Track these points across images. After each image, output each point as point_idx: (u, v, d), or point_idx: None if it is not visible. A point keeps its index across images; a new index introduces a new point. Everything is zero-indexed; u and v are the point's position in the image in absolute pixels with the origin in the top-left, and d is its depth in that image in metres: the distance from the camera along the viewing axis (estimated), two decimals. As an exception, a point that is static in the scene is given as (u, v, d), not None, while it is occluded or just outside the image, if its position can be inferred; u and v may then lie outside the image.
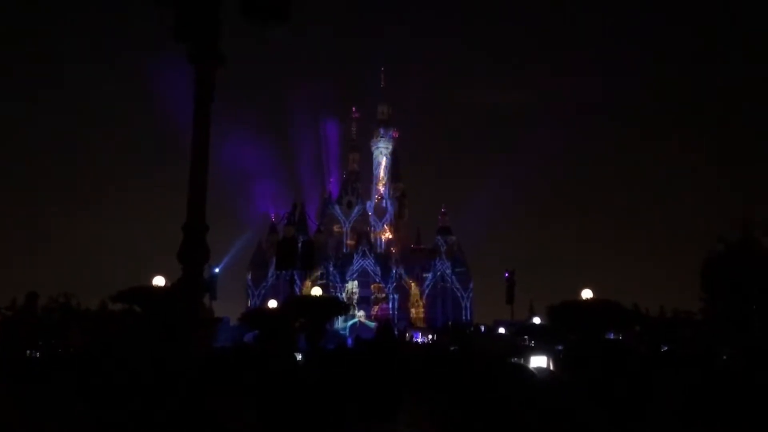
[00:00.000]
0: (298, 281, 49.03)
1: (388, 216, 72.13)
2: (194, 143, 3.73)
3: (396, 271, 68.08)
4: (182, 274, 3.61)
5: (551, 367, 14.95)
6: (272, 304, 28.90)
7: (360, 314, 62.79)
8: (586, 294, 18.79)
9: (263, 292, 63.92)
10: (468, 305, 67.51)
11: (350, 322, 60.49)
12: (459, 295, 68.00)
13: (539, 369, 13.66)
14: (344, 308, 33.16)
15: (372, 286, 66.57)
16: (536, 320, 34.06)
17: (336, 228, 70.71)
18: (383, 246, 70.99)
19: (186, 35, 3.87)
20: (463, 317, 63.83)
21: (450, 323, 57.44)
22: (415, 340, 49.74)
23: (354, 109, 75.24)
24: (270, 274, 64.77)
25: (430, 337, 55.29)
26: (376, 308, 64.18)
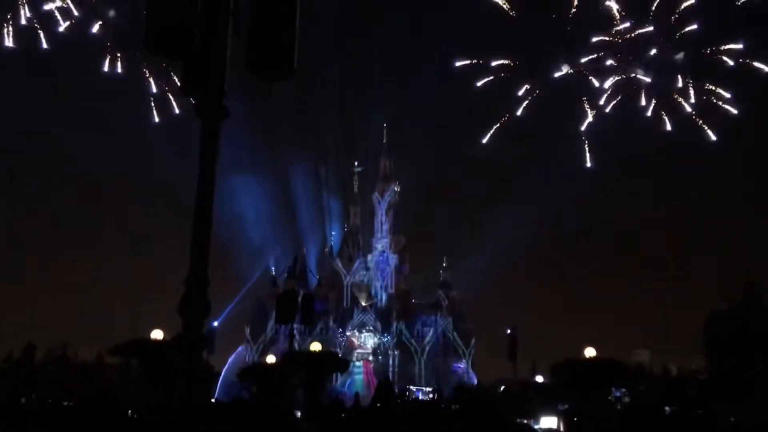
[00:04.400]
0: (297, 336, 48.51)
1: (389, 270, 71.89)
2: (198, 196, 3.74)
3: (396, 327, 67.46)
4: (182, 328, 3.56)
5: (562, 429, 14.69)
6: (271, 359, 28.61)
7: (360, 369, 61.92)
8: (590, 352, 18.59)
9: (262, 346, 63.24)
10: (470, 362, 66.62)
11: (350, 379, 59.58)
12: (461, 351, 67.20)
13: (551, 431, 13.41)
14: (343, 365, 32.86)
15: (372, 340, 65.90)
16: (539, 378, 33.56)
17: (337, 282, 70.41)
18: (384, 300, 70.54)
19: (193, 90, 3.92)
20: (465, 374, 62.92)
21: (453, 380, 56.60)
22: (415, 397, 48.99)
23: (356, 163, 75.99)
24: (269, 328, 64.19)
25: (430, 395, 54.37)
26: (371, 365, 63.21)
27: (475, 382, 52.40)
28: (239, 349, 65.25)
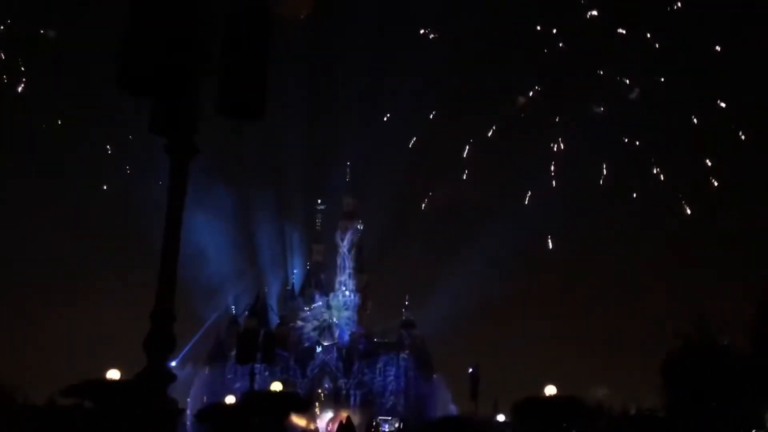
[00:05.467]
0: (259, 375, 47.73)
1: (351, 308, 71.53)
2: (166, 231, 3.79)
3: (359, 366, 66.84)
4: (147, 364, 3.57)
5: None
6: (230, 399, 28.09)
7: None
8: (550, 390, 18.75)
9: (221, 387, 61.86)
10: (433, 401, 66.19)
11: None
12: (422, 391, 66.78)
13: None
14: (305, 405, 32.27)
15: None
16: (500, 417, 33.56)
17: (298, 320, 69.68)
18: (346, 339, 69.97)
19: (162, 128, 4.00)
20: (430, 412, 62.52)
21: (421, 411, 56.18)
22: (382, 429, 48.55)
23: (319, 201, 76.04)
24: (228, 368, 62.91)
25: (397, 425, 54.04)
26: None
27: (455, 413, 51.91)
28: (195, 388, 63.67)
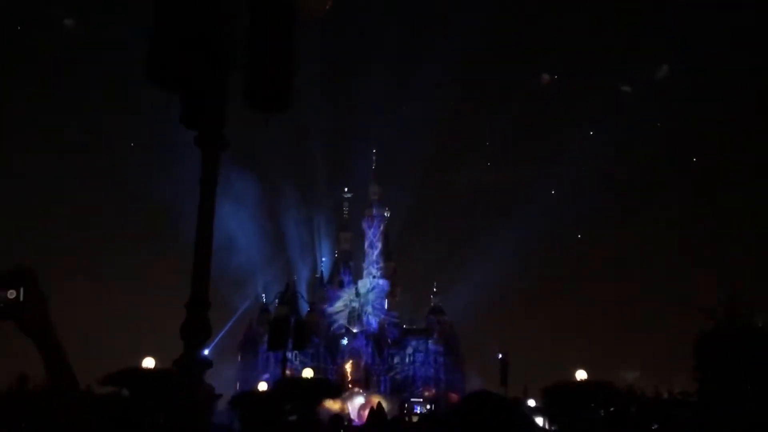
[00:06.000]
0: (291, 362, 48.23)
1: (379, 295, 71.80)
2: (199, 222, 3.89)
3: (387, 352, 67.21)
4: (184, 351, 3.69)
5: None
6: (262, 386, 28.45)
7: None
8: (581, 375, 18.71)
9: (253, 374, 62.71)
10: (463, 386, 66.34)
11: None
12: (452, 377, 66.91)
13: None
14: (336, 391, 32.61)
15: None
16: (531, 402, 33.51)
17: (328, 308, 70.20)
18: (375, 326, 70.35)
19: (193, 122, 4.09)
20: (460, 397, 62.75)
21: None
22: (415, 411, 48.98)
23: (346, 189, 76.26)
24: (260, 356, 63.75)
25: (429, 406, 54.44)
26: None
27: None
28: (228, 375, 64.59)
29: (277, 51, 4.24)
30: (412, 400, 58.43)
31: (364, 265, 73.43)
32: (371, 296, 71.20)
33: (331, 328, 69.34)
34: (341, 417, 12.84)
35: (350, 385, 62.94)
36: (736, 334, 16.43)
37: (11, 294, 1.94)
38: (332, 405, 39.79)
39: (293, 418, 22.16)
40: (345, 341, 67.56)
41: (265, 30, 4.31)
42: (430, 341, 67.81)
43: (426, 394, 64.10)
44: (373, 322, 70.43)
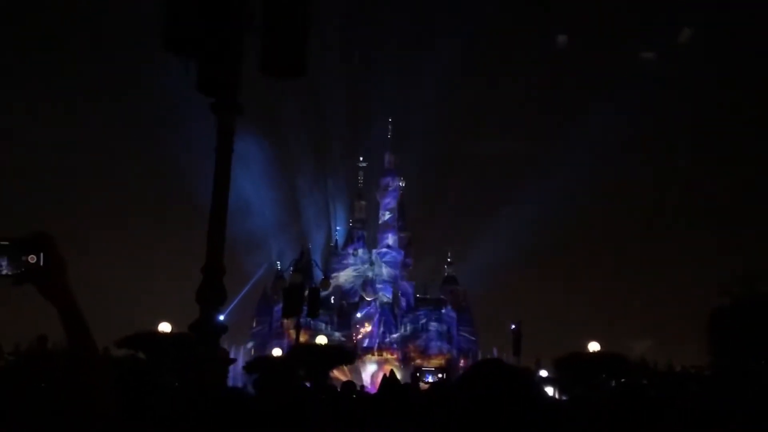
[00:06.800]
0: (304, 328, 48.88)
1: (393, 264, 72.06)
2: (215, 189, 3.91)
3: (401, 321, 67.69)
4: (200, 314, 3.74)
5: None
6: (276, 352, 28.81)
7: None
8: (593, 347, 18.76)
9: (268, 339, 63.53)
10: (476, 356, 66.82)
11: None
12: (465, 346, 67.38)
13: None
14: (349, 357, 32.94)
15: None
16: (543, 373, 33.71)
17: (342, 276, 70.62)
18: (389, 295, 70.77)
19: (209, 89, 4.09)
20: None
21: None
22: (425, 380, 49.49)
23: (361, 158, 76.06)
24: (275, 322, 64.47)
25: (440, 376, 55.03)
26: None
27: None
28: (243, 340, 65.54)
29: (292, 18, 4.21)
30: (424, 368, 58.93)
31: (379, 234, 73.59)
32: (385, 265, 71.50)
33: (346, 296, 69.83)
34: (353, 383, 12.96)
35: (363, 353, 63.57)
36: (752, 310, 16.36)
37: (32, 258, 1.98)
38: (345, 372, 40.31)
39: (307, 383, 22.49)
40: (359, 309, 68.03)
41: (281, -4, 4.27)
42: (443, 310, 68.17)
43: (439, 363, 64.68)
44: (387, 290, 70.83)
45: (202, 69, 4.13)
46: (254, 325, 66.76)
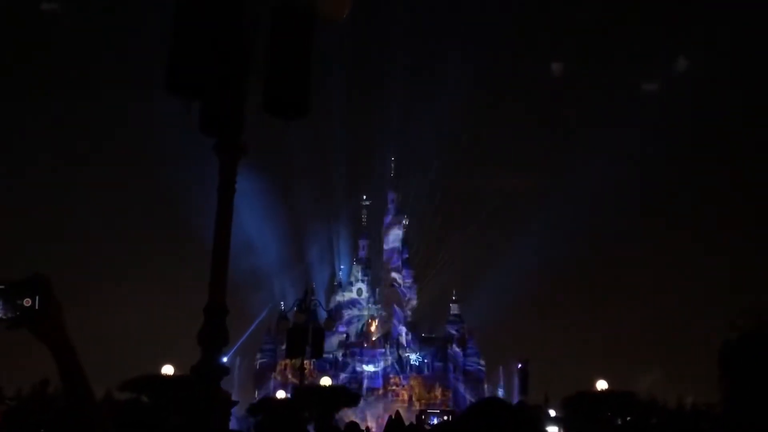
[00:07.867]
0: (308, 369, 48.31)
1: (398, 303, 71.67)
2: (217, 227, 3.89)
3: (406, 361, 66.99)
4: (201, 357, 3.68)
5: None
6: (281, 394, 28.49)
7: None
8: (601, 385, 18.48)
9: (272, 382, 62.86)
10: (483, 395, 65.91)
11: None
12: (471, 386, 66.54)
13: None
14: (354, 399, 32.56)
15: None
16: (552, 412, 33.19)
17: (346, 315, 70.20)
18: (395, 334, 70.21)
19: (212, 129, 4.09)
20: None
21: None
22: (430, 422, 48.67)
23: (364, 196, 76.31)
24: (278, 362, 63.88)
25: (445, 418, 54.06)
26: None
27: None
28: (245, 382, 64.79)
29: (296, 58, 4.24)
30: (429, 411, 58.06)
31: (383, 273, 73.39)
32: (389, 303, 71.09)
33: (350, 336, 69.28)
34: (357, 425, 12.73)
35: (368, 393, 62.76)
36: (762, 344, 16.16)
37: (27, 302, 1.96)
38: (350, 413, 39.73)
39: (311, 426, 22.16)
40: (364, 348, 67.42)
41: (285, 37, 4.31)
42: (449, 349, 67.51)
43: (445, 402, 63.77)
44: (393, 329, 70.31)
45: (205, 110, 4.14)
46: (257, 365, 66.16)
